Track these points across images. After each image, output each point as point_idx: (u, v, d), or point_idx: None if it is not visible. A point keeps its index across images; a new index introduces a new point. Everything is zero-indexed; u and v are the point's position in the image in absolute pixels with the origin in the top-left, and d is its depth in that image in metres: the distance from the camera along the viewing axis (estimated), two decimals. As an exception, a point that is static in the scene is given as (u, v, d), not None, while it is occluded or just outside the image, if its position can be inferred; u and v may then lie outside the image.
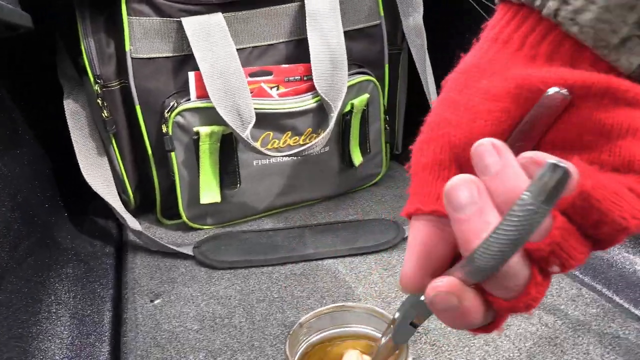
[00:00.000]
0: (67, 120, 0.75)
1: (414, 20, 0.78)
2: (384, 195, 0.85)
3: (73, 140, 0.75)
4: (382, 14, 0.79)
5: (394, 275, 0.65)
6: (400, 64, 0.86)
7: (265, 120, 0.71)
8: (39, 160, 0.76)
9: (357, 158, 0.80)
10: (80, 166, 0.74)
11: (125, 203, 0.79)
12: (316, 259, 0.69)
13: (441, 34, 0.79)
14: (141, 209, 0.83)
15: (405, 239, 0.71)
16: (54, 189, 0.79)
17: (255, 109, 0.69)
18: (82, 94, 0.75)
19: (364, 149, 0.81)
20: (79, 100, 0.75)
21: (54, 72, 0.76)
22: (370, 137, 0.82)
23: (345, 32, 0.76)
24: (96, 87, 0.71)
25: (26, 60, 0.78)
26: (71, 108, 0.75)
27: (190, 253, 0.71)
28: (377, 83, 0.79)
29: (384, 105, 0.83)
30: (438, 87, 0.76)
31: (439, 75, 0.76)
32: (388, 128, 0.85)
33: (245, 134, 0.67)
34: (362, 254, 0.69)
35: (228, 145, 0.72)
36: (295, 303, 0.62)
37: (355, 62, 0.79)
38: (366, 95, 0.77)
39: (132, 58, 0.69)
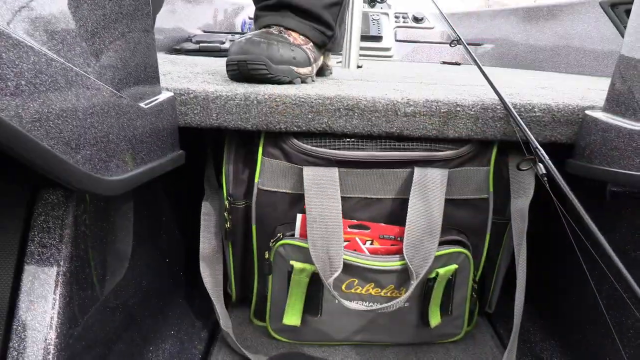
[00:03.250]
0: (201, 219, 0.90)
1: (521, 202, 0.79)
2: (456, 358, 0.85)
3: (200, 236, 0.90)
4: (491, 189, 0.82)
5: None
6: (506, 233, 0.87)
7: (352, 269, 0.78)
8: (170, 246, 0.92)
9: (435, 319, 0.82)
10: (200, 260, 0.89)
11: (229, 295, 0.92)
12: (364, 412, 0.73)
13: (541, 223, 0.79)
14: (241, 302, 0.96)
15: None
16: (175, 270, 0.94)
17: (344, 259, 0.77)
18: (217, 202, 0.90)
19: (445, 311, 0.84)
20: (214, 206, 0.90)
21: (200, 178, 0.92)
22: (455, 301, 0.84)
23: (451, 200, 0.80)
24: (226, 202, 0.85)
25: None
26: (206, 210, 0.90)
27: (262, 366, 0.80)
28: (469, 255, 0.81)
29: (474, 275, 0.85)
30: (529, 268, 0.77)
31: (531, 260, 0.77)
32: (475, 295, 0.86)
33: (330, 280, 0.75)
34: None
35: (317, 281, 0.80)
36: None
37: (456, 228, 0.83)
38: (454, 266, 0.80)
39: (258, 188, 0.82)
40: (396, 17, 2.17)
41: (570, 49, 1.78)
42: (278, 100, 0.74)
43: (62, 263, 0.58)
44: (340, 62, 1.53)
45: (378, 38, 2.06)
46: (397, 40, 2.10)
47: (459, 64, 1.93)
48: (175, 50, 1.80)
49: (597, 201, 0.75)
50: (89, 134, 0.47)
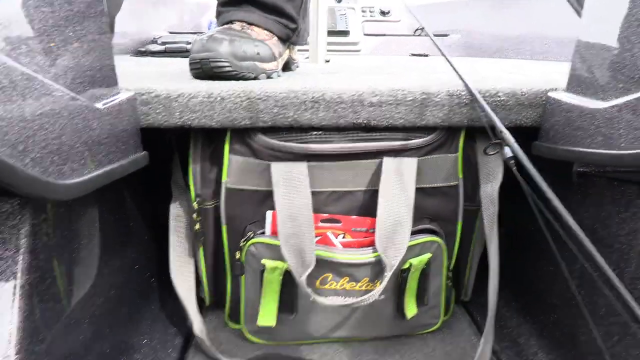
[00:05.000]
0: (170, 222, 0.88)
1: (491, 187, 0.79)
2: (434, 349, 0.85)
3: (170, 240, 0.87)
4: (460, 176, 0.81)
5: None
6: (478, 219, 0.87)
7: (325, 265, 0.77)
8: (140, 251, 0.89)
9: (411, 310, 0.82)
10: (170, 264, 0.86)
11: (202, 300, 0.90)
12: (344, 408, 0.72)
13: (512, 207, 0.79)
14: (215, 306, 0.94)
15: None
16: (146, 277, 0.92)
17: (317, 255, 0.75)
18: (185, 203, 0.88)
19: (420, 301, 0.83)
20: (182, 207, 0.88)
21: (167, 179, 0.90)
22: (430, 290, 0.84)
23: (421, 189, 0.80)
24: (195, 203, 0.83)
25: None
26: (175, 212, 0.88)
27: (238, 369, 0.79)
28: (442, 243, 0.81)
29: (448, 263, 0.85)
30: (501, 253, 0.76)
31: (504, 245, 0.77)
32: (450, 283, 0.86)
33: (303, 277, 0.74)
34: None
35: (290, 278, 0.79)
36: None
37: (427, 216, 0.82)
38: (428, 255, 0.79)
39: (226, 187, 0.80)
40: (363, 11, 2.17)
41: (535, 35, 1.80)
42: (242, 95, 0.73)
43: (19, 275, 0.55)
44: (308, 57, 1.52)
45: (345, 33, 2.05)
46: (364, 35, 2.10)
47: (427, 56, 1.93)
48: (140, 52, 1.76)
49: (564, 183, 0.75)
50: (38, 136, 0.44)
